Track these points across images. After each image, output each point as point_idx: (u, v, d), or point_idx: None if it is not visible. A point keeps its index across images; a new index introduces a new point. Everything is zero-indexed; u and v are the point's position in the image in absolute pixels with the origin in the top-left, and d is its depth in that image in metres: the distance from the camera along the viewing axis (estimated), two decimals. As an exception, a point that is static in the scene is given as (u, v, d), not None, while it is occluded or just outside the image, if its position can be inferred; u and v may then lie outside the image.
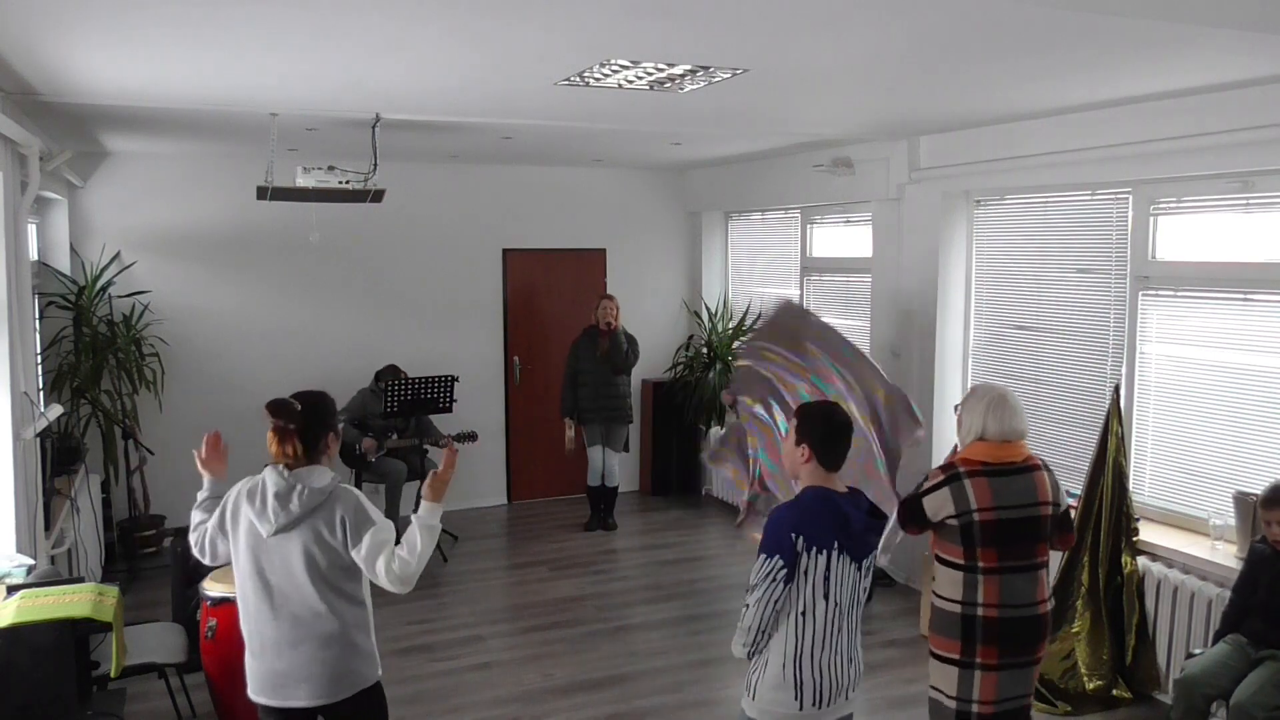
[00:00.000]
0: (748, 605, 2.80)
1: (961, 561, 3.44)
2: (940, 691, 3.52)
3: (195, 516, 3.20)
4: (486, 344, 8.47)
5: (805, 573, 2.75)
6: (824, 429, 2.91)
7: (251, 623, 3.03)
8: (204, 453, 3.27)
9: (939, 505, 3.43)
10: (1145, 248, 5.06)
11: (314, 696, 3.01)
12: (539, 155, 7.64)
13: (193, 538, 3.18)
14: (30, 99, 4.48)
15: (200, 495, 3.23)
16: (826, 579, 2.76)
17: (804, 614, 2.77)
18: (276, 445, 3.01)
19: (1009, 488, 3.43)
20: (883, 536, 3.02)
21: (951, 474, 3.45)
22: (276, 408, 3.03)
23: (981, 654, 3.41)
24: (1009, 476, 3.44)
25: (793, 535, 2.75)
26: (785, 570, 2.74)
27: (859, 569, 2.85)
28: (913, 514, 3.53)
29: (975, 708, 3.44)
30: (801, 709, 2.78)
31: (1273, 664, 3.89)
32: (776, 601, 2.76)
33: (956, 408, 3.71)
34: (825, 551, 2.76)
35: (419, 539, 2.97)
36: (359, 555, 2.97)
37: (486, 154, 7.44)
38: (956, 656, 3.44)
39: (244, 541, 3.00)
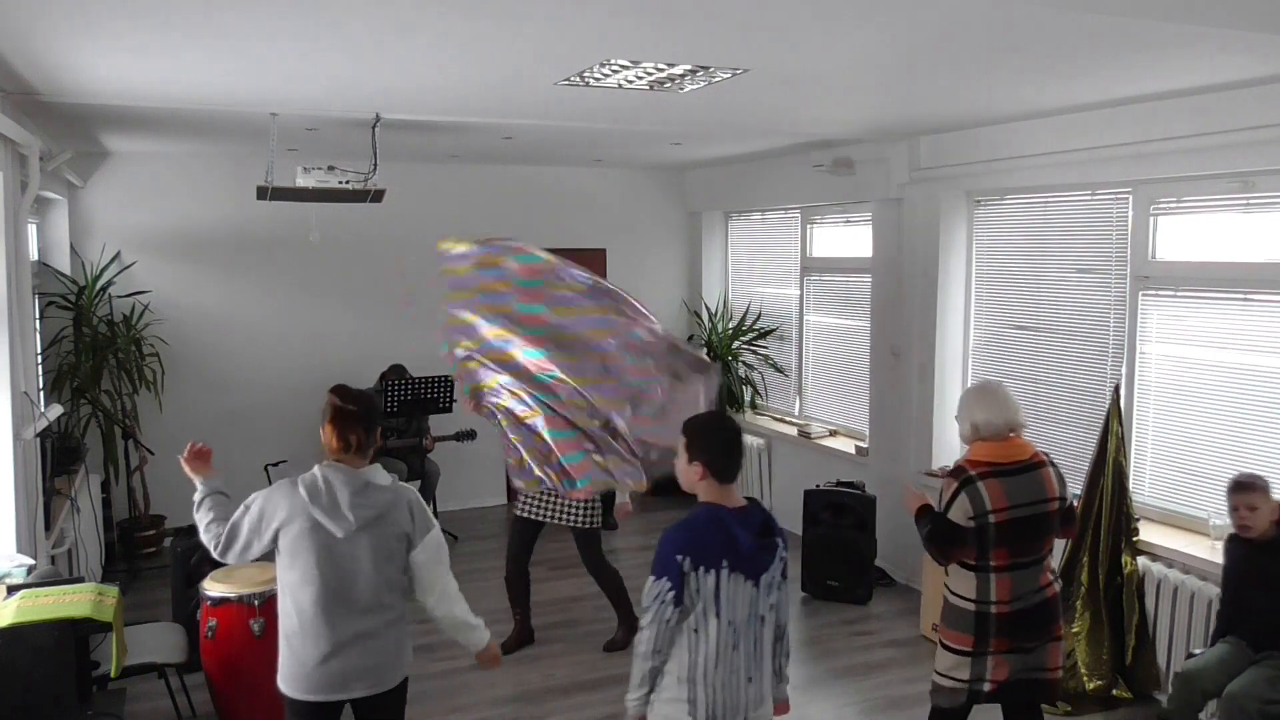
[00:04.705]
0: (642, 628, 2.78)
1: (974, 562, 3.48)
2: (950, 678, 3.57)
3: (202, 516, 3.14)
4: (486, 344, 8.46)
5: (696, 592, 2.74)
6: (715, 443, 2.86)
7: (312, 624, 2.98)
8: (187, 454, 3.24)
9: (960, 513, 3.45)
10: (1145, 248, 5.06)
11: (371, 687, 3.07)
12: (539, 155, 7.64)
13: (206, 537, 3.12)
14: (30, 99, 4.48)
15: (197, 496, 3.19)
16: (717, 598, 2.74)
17: (696, 631, 2.76)
18: (337, 435, 2.98)
19: (1019, 487, 3.45)
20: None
21: (963, 478, 3.46)
22: (345, 393, 3.03)
23: (994, 645, 3.50)
24: (1017, 475, 3.46)
25: (679, 557, 2.72)
26: (673, 592, 2.72)
27: (756, 586, 2.80)
28: (949, 537, 3.48)
29: (987, 686, 3.52)
30: None
31: (1271, 663, 3.90)
32: (669, 621, 2.74)
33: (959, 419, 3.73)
34: (714, 571, 2.74)
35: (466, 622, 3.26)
36: (418, 553, 3.05)
37: (486, 154, 7.44)
38: (969, 649, 3.52)
39: (306, 543, 2.95)
